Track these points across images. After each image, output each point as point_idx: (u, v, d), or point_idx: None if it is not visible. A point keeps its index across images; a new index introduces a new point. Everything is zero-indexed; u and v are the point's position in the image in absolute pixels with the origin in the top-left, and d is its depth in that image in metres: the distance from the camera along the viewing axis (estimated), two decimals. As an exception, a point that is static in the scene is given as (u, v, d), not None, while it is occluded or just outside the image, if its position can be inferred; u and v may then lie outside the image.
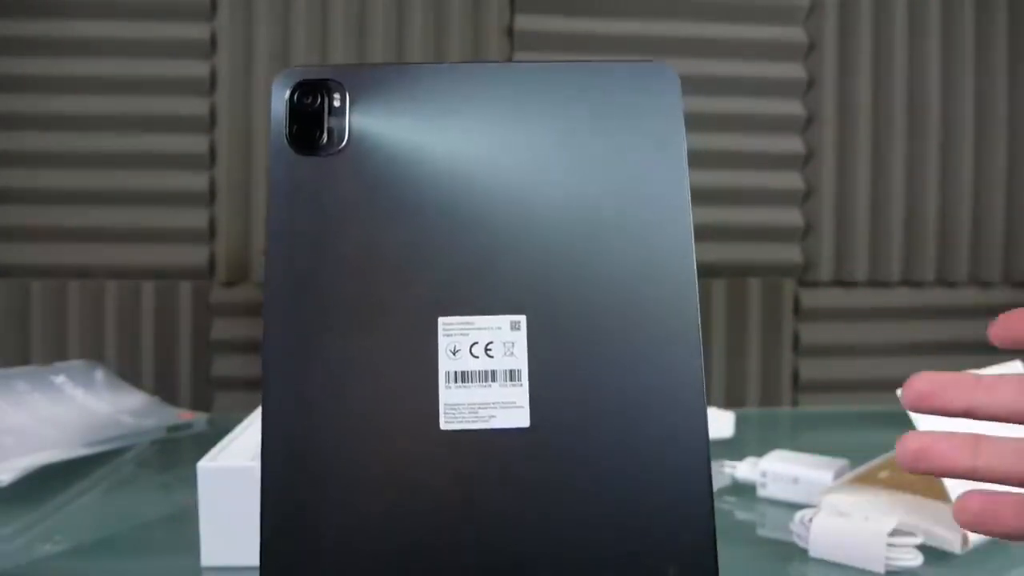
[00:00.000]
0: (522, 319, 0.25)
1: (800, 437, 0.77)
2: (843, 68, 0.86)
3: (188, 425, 0.70)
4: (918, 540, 0.42)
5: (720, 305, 0.85)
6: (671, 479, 0.24)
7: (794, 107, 0.85)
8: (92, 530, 0.48)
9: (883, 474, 0.48)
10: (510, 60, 0.80)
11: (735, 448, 0.60)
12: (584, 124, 0.26)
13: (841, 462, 0.52)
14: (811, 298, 0.87)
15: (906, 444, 0.26)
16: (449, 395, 0.25)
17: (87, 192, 0.78)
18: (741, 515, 0.50)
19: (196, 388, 0.80)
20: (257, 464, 0.42)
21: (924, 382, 0.27)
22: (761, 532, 0.49)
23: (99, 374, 0.71)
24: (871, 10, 0.86)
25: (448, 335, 0.25)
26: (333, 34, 0.80)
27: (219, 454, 0.44)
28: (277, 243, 0.25)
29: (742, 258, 0.85)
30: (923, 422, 0.43)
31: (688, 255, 0.25)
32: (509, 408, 0.25)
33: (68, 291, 0.79)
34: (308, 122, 0.26)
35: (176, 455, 0.64)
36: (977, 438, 0.25)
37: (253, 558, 0.42)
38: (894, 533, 0.41)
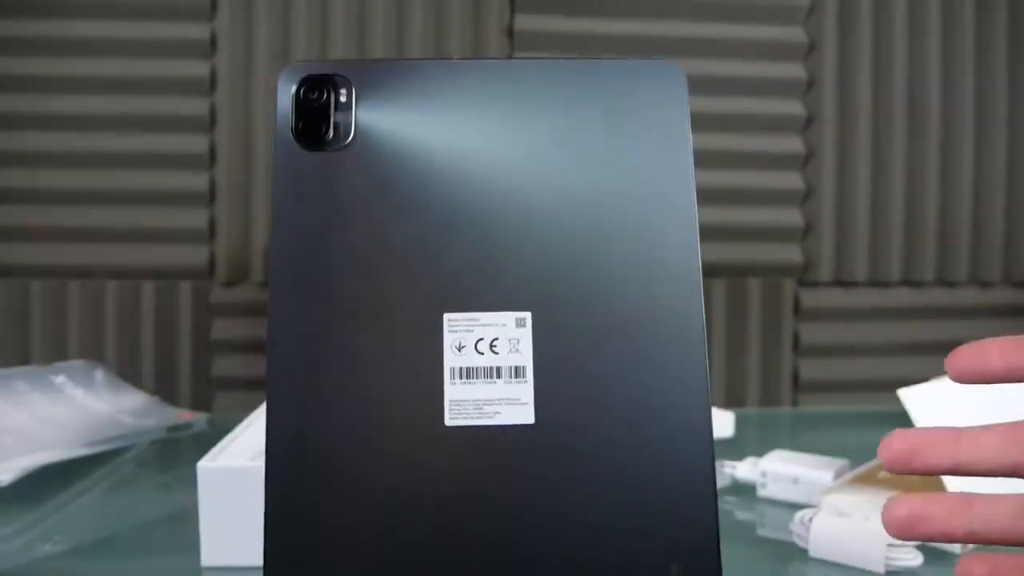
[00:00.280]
0: (527, 316, 0.25)
1: (800, 437, 0.77)
2: (843, 68, 0.86)
3: (188, 425, 0.70)
4: (918, 540, 0.42)
5: (720, 305, 0.85)
6: (675, 476, 0.24)
7: (794, 107, 0.85)
8: (92, 530, 0.48)
9: (883, 474, 0.48)
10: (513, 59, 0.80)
11: (735, 448, 0.60)
12: (590, 121, 0.26)
13: (841, 462, 0.52)
14: (811, 298, 0.87)
15: (892, 444, 0.25)
16: (454, 391, 0.25)
17: (87, 192, 0.78)
18: (741, 515, 0.50)
19: (196, 388, 0.80)
20: (257, 464, 0.42)
21: (901, 441, 0.24)
22: (761, 532, 0.49)
23: (99, 374, 0.71)
24: (871, 10, 0.86)
25: (453, 331, 0.25)
26: (333, 34, 0.80)
27: (219, 454, 0.44)
28: (282, 238, 0.25)
29: (742, 258, 0.85)
30: (924, 423, 0.43)
31: (694, 253, 0.25)
32: (514, 405, 0.25)
33: (68, 291, 0.79)
34: (314, 117, 0.26)
35: (176, 455, 0.64)
36: (969, 500, 0.24)
37: (253, 558, 0.42)
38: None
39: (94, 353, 0.78)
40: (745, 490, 0.53)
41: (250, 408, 0.56)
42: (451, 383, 0.25)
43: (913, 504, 0.24)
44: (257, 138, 0.80)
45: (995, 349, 0.24)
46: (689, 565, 0.24)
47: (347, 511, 0.24)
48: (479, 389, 0.25)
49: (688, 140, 0.26)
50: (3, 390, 0.63)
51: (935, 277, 0.88)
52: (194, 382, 0.80)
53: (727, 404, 0.82)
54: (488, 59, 0.22)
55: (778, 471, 0.52)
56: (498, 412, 0.24)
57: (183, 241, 0.80)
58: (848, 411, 0.81)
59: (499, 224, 0.25)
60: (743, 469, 0.54)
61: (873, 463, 0.51)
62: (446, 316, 0.25)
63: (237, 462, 0.43)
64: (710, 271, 0.84)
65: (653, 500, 0.24)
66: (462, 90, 0.26)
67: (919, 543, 0.42)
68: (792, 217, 0.86)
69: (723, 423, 0.67)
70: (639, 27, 0.83)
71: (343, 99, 0.26)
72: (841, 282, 0.87)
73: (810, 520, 0.43)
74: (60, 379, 0.68)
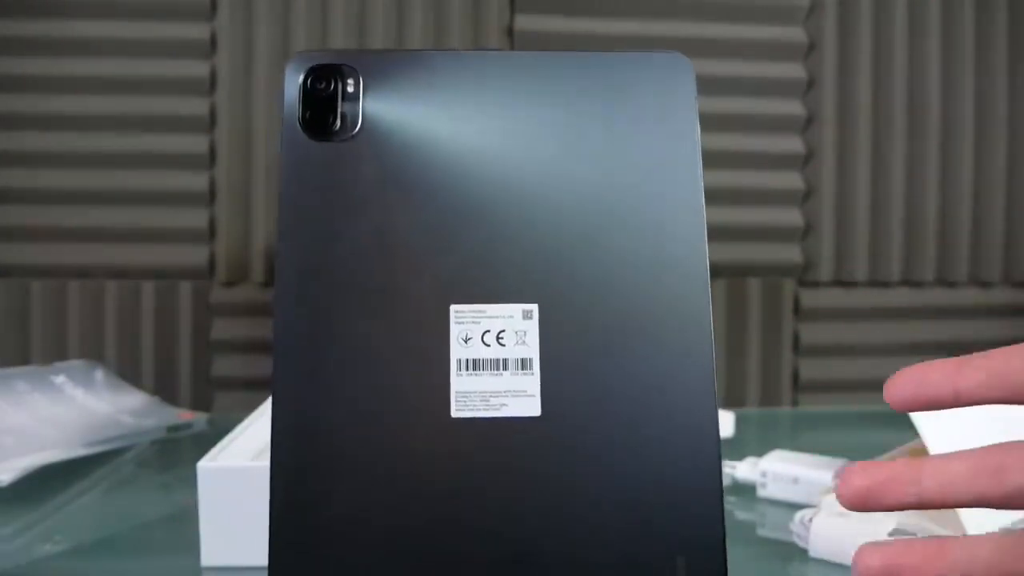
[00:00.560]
0: (534, 308, 0.25)
1: (800, 437, 0.77)
2: (843, 68, 0.86)
3: (188, 425, 0.70)
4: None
5: (720, 305, 0.85)
6: (681, 470, 0.24)
7: (794, 107, 0.85)
8: (92, 530, 0.48)
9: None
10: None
11: (735, 448, 0.60)
12: (598, 114, 0.26)
13: (841, 462, 0.52)
14: (811, 298, 0.87)
15: (852, 481, 0.23)
16: (460, 383, 0.25)
17: (87, 192, 0.78)
18: (741, 515, 0.50)
19: (196, 388, 0.80)
20: (257, 464, 0.42)
21: (862, 477, 0.23)
22: (761, 532, 0.49)
23: (99, 374, 0.71)
24: (871, 10, 0.86)
25: (460, 323, 0.25)
26: (333, 34, 0.80)
27: (219, 454, 0.44)
28: (288, 228, 0.25)
29: (742, 258, 0.85)
30: (926, 426, 0.43)
31: (701, 246, 0.25)
32: (520, 397, 0.25)
33: (68, 291, 0.79)
34: (321, 107, 0.26)
35: (176, 455, 0.64)
36: (943, 545, 0.22)
37: (253, 558, 0.42)
38: (894, 533, 0.41)
39: (94, 353, 0.78)
40: (745, 490, 0.53)
41: (250, 408, 0.56)
42: (457, 375, 0.25)
43: (887, 553, 0.23)
44: (257, 138, 0.80)
45: (935, 375, 0.23)
46: (695, 559, 0.24)
47: (352, 502, 0.24)
48: (485, 381, 0.25)
49: (696, 132, 0.26)
50: (3, 390, 0.63)
51: (935, 277, 0.88)
52: (194, 382, 0.80)
53: (727, 404, 0.82)
54: (496, 51, 0.22)
55: (778, 471, 0.52)
56: (504, 404, 0.24)
57: (183, 241, 0.80)
58: (848, 411, 0.81)
59: (506, 216, 0.25)
60: (743, 469, 0.54)
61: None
62: (453, 308, 0.25)
63: (237, 462, 0.43)
64: (710, 271, 0.84)
65: (659, 493, 0.24)
66: (469, 81, 0.26)
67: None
68: (792, 217, 0.86)
69: (723, 423, 0.67)
70: (639, 27, 0.82)
71: (350, 89, 0.26)
72: (841, 282, 0.87)
73: (810, 520, 0.43)
74: (60, 379, 0.68)
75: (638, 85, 0.26)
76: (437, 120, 0.26)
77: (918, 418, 0.43)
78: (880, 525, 0.42)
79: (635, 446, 0.24)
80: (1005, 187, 0.88)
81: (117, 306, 0.79)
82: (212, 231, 0.80)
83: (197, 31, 0.79)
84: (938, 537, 0.23)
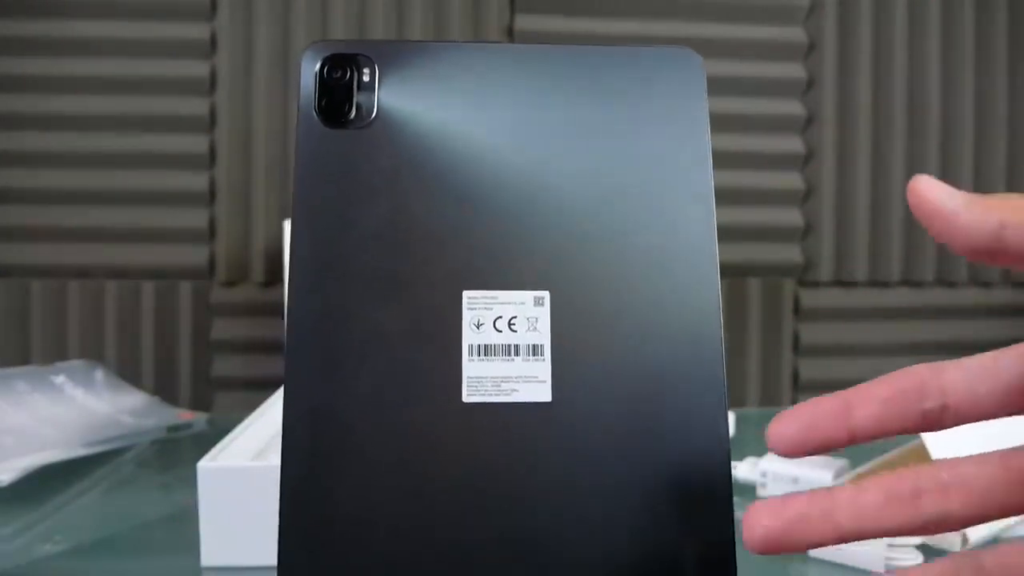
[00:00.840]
0: (546, 295, 0.25)
1: (800, 437, 0.77)
2: (843, 68, 0.86)
3: (188, 425, 0.70)
4: (918, 540, 0.42)
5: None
6: (690, 453, 0.25)
7: (794, 107, 0.85)
8: (92, 530, 0.48)
9: (883, 474, 0.48)
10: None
11: (735, 448, 0.60)
12: (609, 106, 0.27)
13: (841, 462, 0.52)
14: (811, 298, 0.87)
15: (760, 521, 0.21)
16: (472, 368, 0.25)
17: (87, 192, 0.78)
18: (741, 515, 0.50)
19: (196, 388, 0.80)
20: (257, 464, 0.42)
21: (766, 517, 0.21)
22: (761, 532, 0.48)
23: (99, 374, 0.72)
24: (871, 10, 0.86)
25: (472, 309, 0.25)
26: (333, 35, 0.80)
27: (219, 454, 0.44)
28: (303, 214, 0.25)
29: (742, 258, 0.85)
30: (934, 443, 0.43)
31: (710, 236, 0.26)
32: (531, 382, 0.25)
33: (68, 291, 0.79)
34: (337, 95, 0.26)
35: (176, 455, 0.64)
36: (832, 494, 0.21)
37: (253, 558, 0.42)
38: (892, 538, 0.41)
39: (94, 353, 0.78)
40: (745, 490, 0.53)
41: (250, 408, 0.56)
42: (469, 360, 0.25)
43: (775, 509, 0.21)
44: (257, 138, 0.80)
45: (824, 418, 0.21)
46: (703, 543, 0.24)
47: (364, 486, 0.24)
48: (497, 366, 0.25)
49: (706, 126, 0.26)
50: (3, 390, 0.63)
51: (935, 277, 0.88)
52: (194, 382, 0.80)
53: (727, 404, 0.82)
54: (509, 44, 0.22)
55: (778, 471, 0.52)
56: (515, 389, 0.25)
57: (183, 241, 0.80)
58: (848, 411, 0.81)
59: (518, 205, 0.26)
60: (743, 469, 0.54)
61: (873, 463, 0.51)
62: (465, 294, 0.25)
63: (237, 462, 0.43)
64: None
65: (668, 478, 0.24)
66: (483, 73, 0.26)
67: (919, 543, 0.42)
68: (792, 217, 0.86)
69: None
70: (639, 27, 0.83)
71: (366, 78, 0.26)
72: (841, 282, 0.87)
73: (810, 520, 0.43)
74: (60, 379, 0.68)
75: (650, 79, 0.27)
76: (451, 110, 0.26)
77: (928, 439, 0.43)
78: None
79: (645, 431, 0.25)
80: (1005, 187, 0.88)
81: (117, 306, 0.79)
82: (212, 231, 0.80)
83: (197, 31, 0.79)
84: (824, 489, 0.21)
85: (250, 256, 0.80)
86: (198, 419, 0.70)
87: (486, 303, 0.25)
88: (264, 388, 0.67)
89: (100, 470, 0.58)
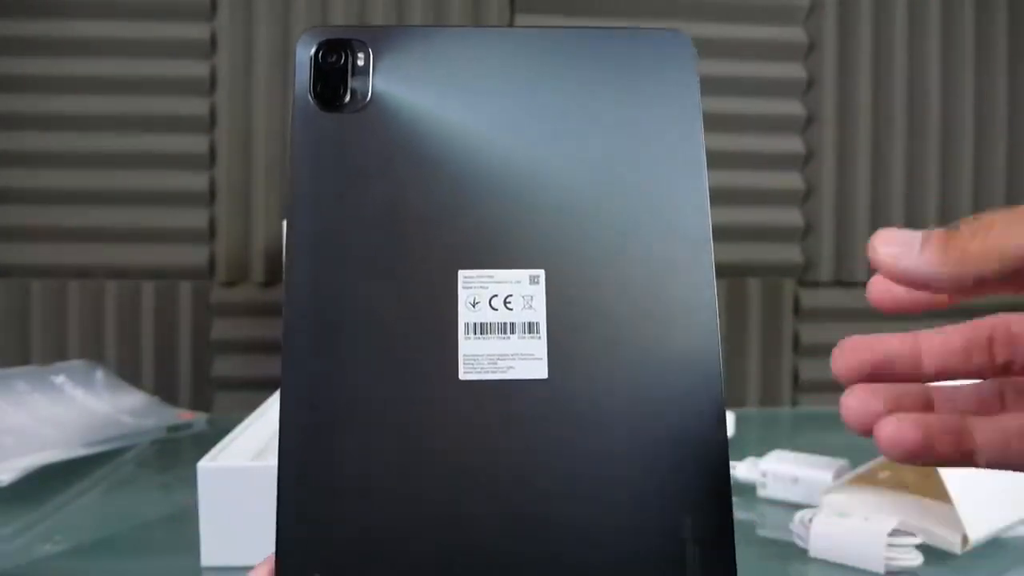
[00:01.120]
0: (541, 273, 0.26)
1: (800, 437, 0.77)
2: (843, 68, 0.86)
3: (188, 425, 0.70)
4: (918, 540, 0.42)
5: (720, 305, 0.85)
6: (686, 428, 0.25)
7: (794, 107, 0.85)
8: (92, 530, 0.48)
9: (883, 474, 0.48)
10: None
11: (735, 448, 0.60)
12: (601, 87, 0.27)
13: (841, 462, 0.52)
14: (811, 298, 0.87)
15: (906, 435, 0.21)
16: (468, 346, 0.25)
17: (87, 192, 0.78)
18: (741, 515, 0.50)
19: (196, 388, 0.80)
20: (257, 464, 0.42)
21: (861, 350, 0.23)
22: (761, 532, 0.49)
23: (99, 374, 0.72)
24: (871, 10, 0.86)
25: (468, 287, 0.25)
26: (333, 34, 0.80)
27: (219, 454, 0.44)
28: (300, 196, 0.26)
29: (742, 258, 0.85)
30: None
31: (703, 214, 0.26)
32: (527, 359, 0.25)
33: (68, 291, 0.79)
34: (332, 79, 0.26)
35: (176, 455, 0.64)
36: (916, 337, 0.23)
37: (253, 558, 0.42)
38: (894, 533, 0.41)
39: (94, 353, 0.78)
40: (745, 490, 0.53)
41: (250, 408, 0.56)
42: (465, 338, 0.25)
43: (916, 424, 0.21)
44: (257, 138, 0.80)
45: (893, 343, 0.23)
46: (700, 517, 0.24)
47: (362, 462, 0.24)
48: (493, 344, 0.25)
49: (697, 104, 0.27)
50: (3, 390, 0.63)
51: (935, 277, 0.87)
52: (194, 382, 0.80)
53: (727, 404, 0.82)
54: (502, 28, 0.23)
55: (778, 471, 0.52)
56: (511, 367, 0.25)
57: (183, 241, 0.80)
58: (848, 411, 0.81)
59: (512, 185, 0.26)
60: (743, 469, 0.54)
61: (873, 463, 0.51)
62: (461, 273, 0.25)
63: (237, 462, 0.43)
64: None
65: (664, 454, 0.25)
66: (476, 56, 0.27)
67: (920, 543, 0.42)
68: (792, 217, 0.86)
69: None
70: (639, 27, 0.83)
71: (360, 63, 0.27)
72: (841, 282, 0.87)
73: (810, 520, 0.43)
74: (60, 379, 0.68)
75: (640, 59, 0.27)
76: (445, 93, 0.27)
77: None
78: (881, 525, 0.42)
79: (641, 406, 0.25)
80: (1005, 187, 0.88)
81: (117, 306, 0.79)
82: (212, 231, 0.80)
83: (197, 31, 0.79)
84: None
85: (250, 256, 0.80)
86: (198, 419, 0.70)
87: (481, 282, 0.25)
88: (264, 388, 0.67)
89: (100, 470, 0.58)
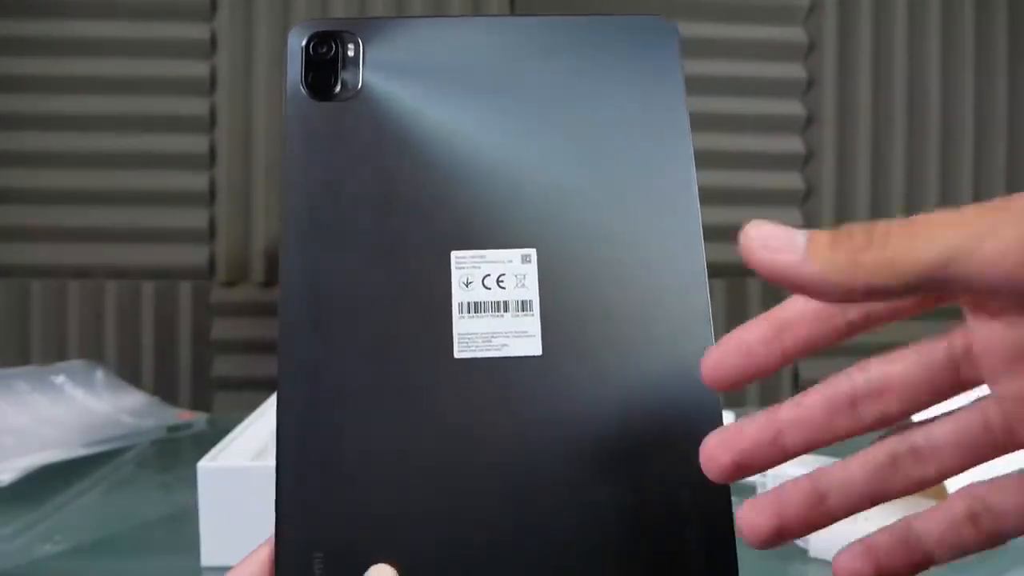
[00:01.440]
0: (532, 252, 0.26)
1: (800, 437, 0.77)
2: (843, 68, 0.86)
3: (188, 425, 0.70)
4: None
5: (720, 305, 0.85)
6: (679, 402, 0.25)
7: (794, 107, 0.85)
8: (92, 530, 0.48)
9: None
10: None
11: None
12: (586, 72, 0.28)
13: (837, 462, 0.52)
14: (811, 298, 0.87)
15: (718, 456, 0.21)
16: (463, 325, 0.25)
17: (87, 192, 0.78)
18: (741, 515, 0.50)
19: (196, 388, 0.80)
20: (257, 464, 0.43)
21: (720, 450, 0.22)
22: (761, 532, 0.49)
23: (99, 374, 0.72)
24: (871, 10, 0.86)
25: (461, 268, 0.26)
26: (333, 34, 0.80)
27: (219, 454, 0.44)
28: (293, 184, 0.26)
29: (742, 258, 0.85)
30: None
31: (691, 193, 0.26)
32: (521, 337, 0.25)
33: (68, 291, 0.79)
34: (323, 70, 0.27)
35: (176, 455, 0.64)
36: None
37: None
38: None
39: (94, 353, 0.78)
40: (745, 490, 0.53)
41: (250, 408, 0.56)
42: (459, 317, 0.25)
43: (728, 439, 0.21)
44: (257, 138, 0.80)
45: (750, 432, 0.22)
46: (698, 490, 0.25)
47: (360, 442, 0.24)
48: (487, 322, 0.25)
49: (680, 87, 0.27)
50: (3, 390, 0.63)
51: (935, 277, 0.87)
52: (194, 382, 0.80)
53: (726, 404, 0.82)
54: (490, 16, 0.24)
55: (778, 471, 0.52)
56: (506, 344, 0.25)
57: (183, 241, 0.80)
58: (848, 411, 0.81)
59: (501, 169, 0.27)
60: (743, 469, 0.54)
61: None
62: (454, 254, 0.26)
63: (237, 462, 0.43)
64: (709, 272, 0.84)
65: (660, 427, 0.25)
66: (463, 44, 0.28)
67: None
68: (792, 217, 0.86)
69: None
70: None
71: (351, 54, 0.27)
72: (841, 282, 0.87)
73: (810, 520, 0.43)
74: (60, 379, 0.68)
75: (624, 45, 0.28)
76: (433, 80, 0.27)
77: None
78: (880, 525, 0.42)
79: (633, 382, 0.25)
80: (1005, 187, 0.88)
81: (117, 306, 0.79)
82: (212, 231, 0.80)
83: (197, 31, 0.79)
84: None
85: (250, 256, 0.80)
86: (198, 419, 0.70)
87: (474, 262, 0.26)
88: (264, 388, 0.67)
89: (100, 470, 0.58)
